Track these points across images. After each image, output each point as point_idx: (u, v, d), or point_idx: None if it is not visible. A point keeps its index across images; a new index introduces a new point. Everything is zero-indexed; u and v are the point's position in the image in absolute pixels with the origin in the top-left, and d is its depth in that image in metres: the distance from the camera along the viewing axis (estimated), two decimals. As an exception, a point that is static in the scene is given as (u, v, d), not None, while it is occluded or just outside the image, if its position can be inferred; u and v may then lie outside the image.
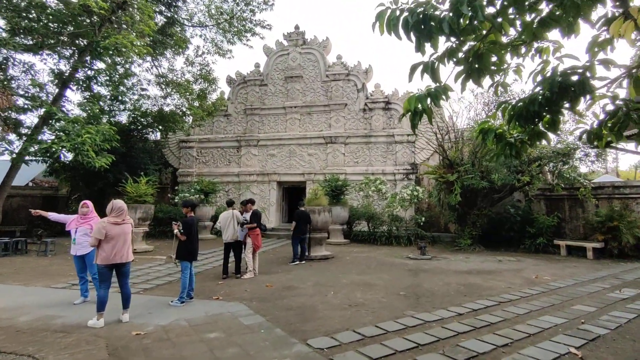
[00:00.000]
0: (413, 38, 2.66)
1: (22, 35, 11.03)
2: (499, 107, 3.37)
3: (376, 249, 12.60)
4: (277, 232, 15.93)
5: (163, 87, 16.20)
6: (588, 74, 2.96)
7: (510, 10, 2.77)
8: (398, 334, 4.57)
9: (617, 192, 11.72)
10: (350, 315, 5.31)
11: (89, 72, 12.46)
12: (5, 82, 11.02)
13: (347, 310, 5.56)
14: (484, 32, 2.84)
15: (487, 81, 3.12)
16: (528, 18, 2.92)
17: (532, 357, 3.90)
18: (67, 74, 12.06)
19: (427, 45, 2.73)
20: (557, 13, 2.81)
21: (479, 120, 12.81)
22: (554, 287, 7.08)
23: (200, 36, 21.34)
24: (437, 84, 2.79)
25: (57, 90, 12.13)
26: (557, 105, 3.08)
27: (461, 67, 2.89)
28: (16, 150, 11.05)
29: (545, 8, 2.83)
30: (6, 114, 11.38)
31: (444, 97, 2.78)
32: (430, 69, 2.74)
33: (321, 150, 17.23)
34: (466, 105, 18.63)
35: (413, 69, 2.76)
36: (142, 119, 16.47)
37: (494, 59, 3.01)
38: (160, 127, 16.65)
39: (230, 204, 8.48)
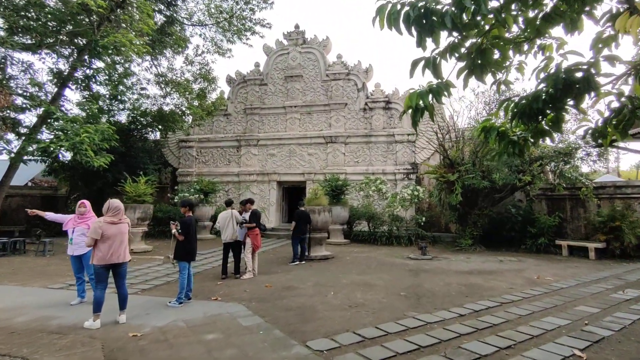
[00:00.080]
0: (414, 33, 2.60)
1: (20, 34, 10.96)
2: (501, 104, 3.30)
3: (376, 249, 12.54)
4: (277, 232, 15.87)
5: (162, 86, 16.13)
6: (593, 71, 2.90)
7: (513, 7, 2.71)
8: (399, 335, 4.50)
9: (619, 192, 11.65)
10: (350, 316, 5.25)
11: (88, 71, 12.39)
12: (4, 82, 10.96)
13: (347, 311, 5.49)
14: (487, 27, 2.78)
15: (489, 79, 3.07)
16: (531, 14, 2.87)
17: (536, 359, 3.83)
18: (66, 73, 12.00)
19: (429, 41, 2.67)
20: (562, 8, 2.76)
21: (480, 120, 12.76)
22: (556, 287, 7.01)
23: (200, 35, 21.37)
24: (439, 80, 2.73)
25: (55, 89, 12.07)
26: (561, 102, 3.01)
27: (463, 63, 2.83)
28: (14, 150, 11.00)
29: (549, 2, 2.77)
30: (5, 113, 11.32)
31: (446, 93, 2.71)
32: (432, 65, 2.67)
33: (321, 150, 17.16)
34: (467, 105, 18.54)
35: (414, 64, 2.69)
36: (142, 119, 16.42)
37: (496, 55, 2.96)
38: (160, 126, 16.60)
39: (229, 203, 8.42)
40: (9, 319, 5.02)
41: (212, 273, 8.36)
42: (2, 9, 10.32)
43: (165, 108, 16.37)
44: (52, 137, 10.64)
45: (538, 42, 3.15)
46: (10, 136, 11.66)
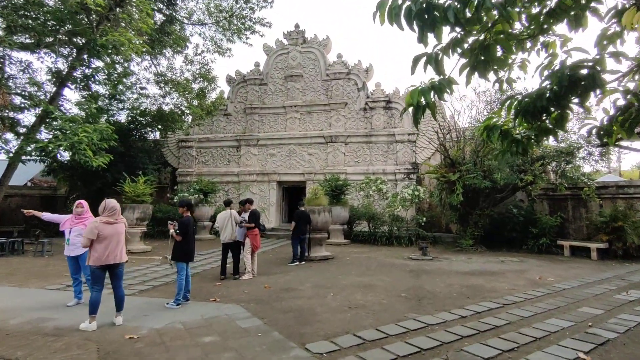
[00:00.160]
0: (415, 28, 2.52)
1: (19, 34, 10.92)
2: (504, 102, 3.23)
3: (377, 249, 12.46)
4: (276, 233, 15.80)
5: (162, 86, 16.07)
6: (598, 68, 2.82)
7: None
8: (399, 337, 4.43)
9: (621, 192, 11.56)
10: (350, 317, 5.17)
11: (87, 71, 12.33)
12: (3, 81, 10.91)
13: (347, 312, 5.42)
14: (490, 23, 2.71)
15: (491, 76, 3.00)
16: (535, 10, 2.80)
17: (539, 362, 3.76)
18: (64, 73, 11.96)
19: (431, 36, 2.59)
20: (567, 3, 2.69)
21: (481, 119, 12.68)
22: (559, 288, 6.93)
23: (200, 34, 21.37)
24: (441, 77, 2.65)
25: (54, 89, 12.03)
26: (565, 100, 2.94)
27: (466, 59, 2.75)
28: (13, 150, 10.94)
29: (553, -3, 2.70)
30: (3, 112, 11.27)
31: (448, 90, 2.63)
32: (434, 61, 2.60)
33: (321, 150, 17.09)
34: (468, 104, 18.46)
35: (416, 60, 2.62)
36: (141, 118, 16.36)
37: (499, 52, 2.89)
38: (160, 126, 16.54)
39: (227, 203, 8.35)
40: (4, 321, 4.95)
41: (210, 274, 8.29)
42: (0, 8, 10.27)
43: (165, 108, 16.32)
44: (50, 136, 10.57)
45: (541, 39, 3.09)
46: (9, 136, 11.66)
